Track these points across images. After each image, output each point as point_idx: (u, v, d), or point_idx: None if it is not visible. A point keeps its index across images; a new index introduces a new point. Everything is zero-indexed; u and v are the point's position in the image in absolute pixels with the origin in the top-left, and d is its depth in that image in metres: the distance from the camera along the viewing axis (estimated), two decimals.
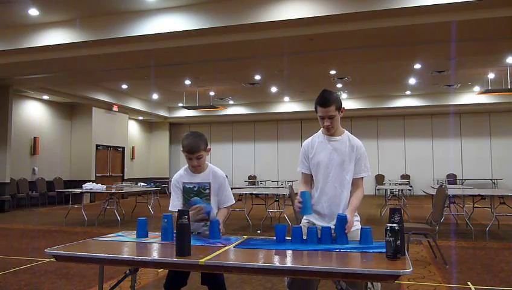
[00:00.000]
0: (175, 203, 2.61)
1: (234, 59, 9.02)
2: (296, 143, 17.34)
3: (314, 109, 2.53)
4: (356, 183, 2.52)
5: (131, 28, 7.48)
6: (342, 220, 2.25)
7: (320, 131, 2.61)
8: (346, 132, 2.59)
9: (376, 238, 2.26)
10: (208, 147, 2.65)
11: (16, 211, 11.50)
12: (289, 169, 16.68)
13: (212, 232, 2.45)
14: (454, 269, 4.68)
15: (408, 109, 15.88)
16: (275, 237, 2.40)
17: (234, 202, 2.74)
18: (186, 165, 2.68)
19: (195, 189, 2.62)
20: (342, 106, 2.50)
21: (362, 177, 2.53)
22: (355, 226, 2.42)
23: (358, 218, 2.53)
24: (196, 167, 2.61)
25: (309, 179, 2.60)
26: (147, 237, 2.51)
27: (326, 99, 2.45)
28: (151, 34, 7.41)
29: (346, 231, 2.25)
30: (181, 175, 2.68)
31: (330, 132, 2.53)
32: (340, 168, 2.49)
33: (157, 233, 2.56)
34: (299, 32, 7.04)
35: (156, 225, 2.51)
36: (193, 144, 2.56)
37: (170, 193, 2.73)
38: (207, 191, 2.62)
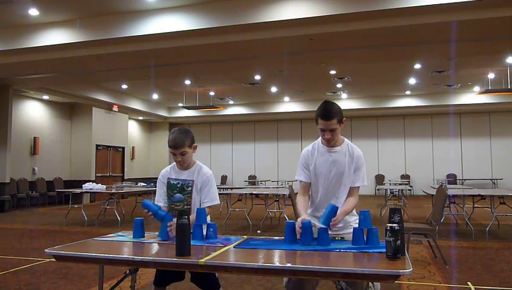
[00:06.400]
0: (158, 199, 2.69)
1: (234, 59, 9.01)
2: (296, 143, 17.35)
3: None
4: (351, 191, 2.51)
5: (131, 28, 7.48)
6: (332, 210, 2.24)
7: (319, 140, 2.58)
8: (345, 140, 2.56)
9: None
10: (195, 144, 2.66)
11: (16, 211, 11.50)
12: (289, 169, 16.65)
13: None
14: (454, 269, 4.67)
15: (408, 109, 15.87)
16: (278, 237, 2.39)
17: (218, 203, 2.68)
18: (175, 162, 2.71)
19: (178, 185, 2.66)
20: (343, 118, 2.45)
21: (358, 187, 2.53)
22: (354, 225, 2.41)
23: (356, 218, 2.52)
24: (181, 163, 2.63)
25: (308, 188, 2.59)
26: (144, 237, 2.51)
27: (329, 112, 2.39)
28: (151, 34, 7.41)
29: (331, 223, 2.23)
30: (167, 171, 2.74)
31: (330, 144, 2.51)
32: (339, 179, 2.50)
33: (155, 233, 2.55)
34: (299, 32, 7.03)
35: (155, 224, 2.52)
36: (177, 139, 2.58)
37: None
38: (189, 188, 2.64)
